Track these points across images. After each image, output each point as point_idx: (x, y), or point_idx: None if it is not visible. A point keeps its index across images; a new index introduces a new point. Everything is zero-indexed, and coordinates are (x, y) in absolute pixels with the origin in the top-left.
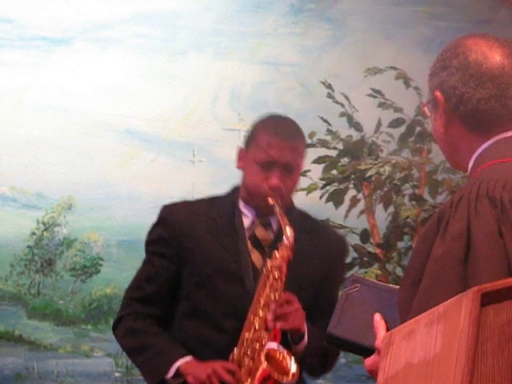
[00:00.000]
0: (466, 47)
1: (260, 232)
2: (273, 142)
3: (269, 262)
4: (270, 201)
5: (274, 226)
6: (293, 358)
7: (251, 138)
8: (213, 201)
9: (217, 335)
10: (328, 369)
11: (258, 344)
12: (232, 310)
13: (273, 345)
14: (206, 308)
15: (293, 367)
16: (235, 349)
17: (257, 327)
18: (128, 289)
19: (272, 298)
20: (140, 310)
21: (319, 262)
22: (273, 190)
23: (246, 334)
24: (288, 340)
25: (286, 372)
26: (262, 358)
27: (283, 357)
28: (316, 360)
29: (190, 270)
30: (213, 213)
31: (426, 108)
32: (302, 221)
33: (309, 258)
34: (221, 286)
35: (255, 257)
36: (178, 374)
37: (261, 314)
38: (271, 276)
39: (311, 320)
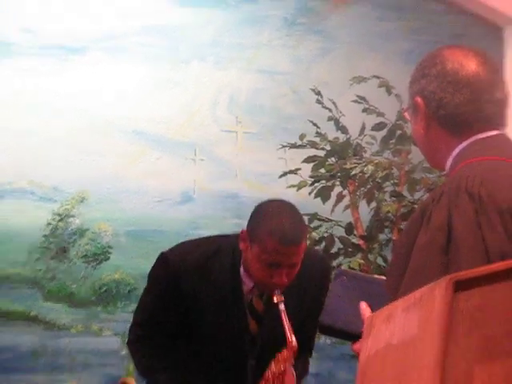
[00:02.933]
0: (443, 57)
1: (256, 302)
2: (280, 250)
3: (272, 365)
4: (275, 299)
5: (265, 296)
6: None
7: (255, 234)
8: (215, 254)
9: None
10: None
11: None
12: (234, 371)
13: None
14: (205, 370)
15: None
16: None
17: None
18: (138, 313)
19: None
20: (149, 335)
21: (303, 304)
22: (278, 287)
23: None
24: None
25: None
26: None
27: None
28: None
29: (194, 329)
30: (216, 273)
31: (406, 113)
32: None
33: (295, 311)
34: (224, 351)
35: (252, 325)
36: None
37: None
38: (273, 375)
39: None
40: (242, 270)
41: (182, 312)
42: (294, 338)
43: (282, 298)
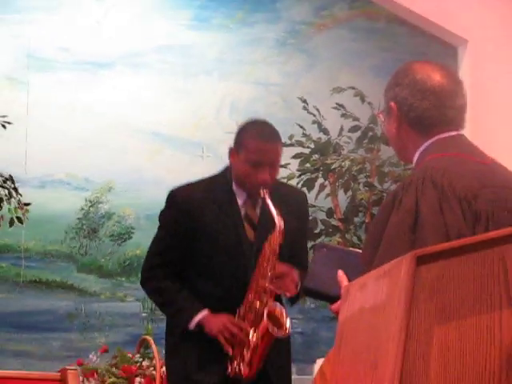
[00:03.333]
0: (414, 70)
1: (251, 211)
2: (261, 147)
3: (266, 244)
4: (262, 193)
5: (260, 205)
6: (288, 318)
7: (240, 142)
8: (212, 183)
9: (223, 293)
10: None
11: (258, 304)
12: (236, 277)
13: (274, 304)
14: (214, 272)
15: (287, 323)
16: (241, 306)
17: (257, 292)
18: (149, 256)
19: (269, 270)
20: (161, 273)
21: (291, 220)
22: (263, 184)
23: (249, 296)
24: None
25: (281, 326)
26: (265, 316)
27: (281, 315)
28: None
29: (200, 245)
30: (214, 195)
31: (381, 114)
32: (274, 191)
33: (285, 224)
34: (227, 259)
35: (249, 232)
36: (197, 325)
37: (261, 282)
38: (268, 253)
39: (292, 263)
40: (234, 186)
41: (190, 235)
42: (281, 222)
43: (267, 193)
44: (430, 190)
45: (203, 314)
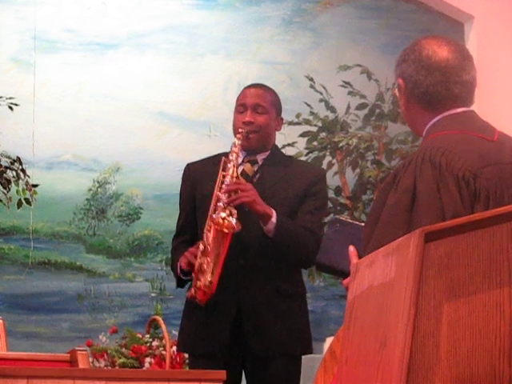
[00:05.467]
0: (420, 45)
1: (247, 167)
2: (245, 93)
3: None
4: (238, 137)
5: (260, 162)
6: (234, 216)
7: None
8: (222, 154)
9: None
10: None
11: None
12: None
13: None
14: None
15: (233, 221)
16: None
17: (215, 204)
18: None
19: (225, 183)
20: (177, 241)
21: (293, 186)
22: (245, 125)
23: (209, 214)
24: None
25: (229, 225)
26: (208, 219)
27: (223, 218)
28: (293, 245)
29: (202, 208)
30: (216, 159)
31: (396, 91)
32: (280, 157)
33: (283, 183)
34: None
35: None
36: (181, 270)
37: (219, 195)
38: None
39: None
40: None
41: (196, 202)
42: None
43: (244, 137)
44: (428, 169)
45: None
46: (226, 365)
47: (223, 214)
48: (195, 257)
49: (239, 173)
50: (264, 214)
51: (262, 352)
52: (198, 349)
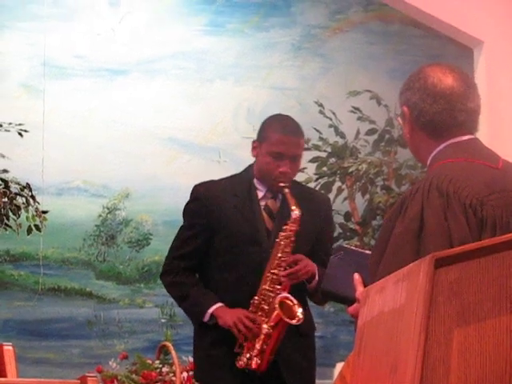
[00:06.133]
0: (425, 73)
1: (271, 203)
2: (283, 140)
3: (281, 234)
4: (281, 184)
5: (280, 198)
6: (300, 307)
7: (263, 135)
8: (233, 179)
9: (241, 284)
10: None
11: (272, 294)
12: (253, 266)
13: (285, 294)
14: (232, 263)
15: (299, 312)
16: (255, 297)
17: (272, 281)
18: (170, 249)
19: (283, 259)
20: (179, 266)
21: (313, 222)
22: (283, 176)
23: (263, 286)
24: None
25: (294, 316)
26: (276, 305)
27: (293, 304)
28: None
29: (219, 236)
30: (234, 189)
31: (399, 118)
32: (298, 189)
33: (305, 221)
34: (245, 248)
35: (268, 223)
36: (211, 317)
37: (275, 272)
38: (282, 243)
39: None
40: (255, 180)
41: (209, 227)
42: (297, 211)
43: (287, 184)
44: (435, 197)
45: (217, 306)
46: None
47: (299, 311)
48: (253, 320)
49: (262, 208)
50: (311, 277)
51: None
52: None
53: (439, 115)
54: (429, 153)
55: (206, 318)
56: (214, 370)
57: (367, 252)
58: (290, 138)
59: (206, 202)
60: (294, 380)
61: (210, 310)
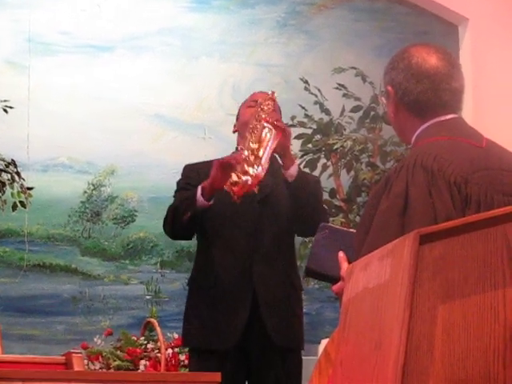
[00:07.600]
0: (409, 53)
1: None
2: (249, 104)
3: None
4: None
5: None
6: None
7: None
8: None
9: (232, 246)
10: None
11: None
12: (239, 224)
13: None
14: (222, 230)
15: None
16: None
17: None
18: (168, 209)
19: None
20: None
21: (299, 191)
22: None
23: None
24: None
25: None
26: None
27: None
28: (309, 194)
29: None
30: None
31: (383, 98)
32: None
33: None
34: (229, 213)
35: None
36: (203, 192)
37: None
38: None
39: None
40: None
41: None
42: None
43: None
44: (420, 174)
45: (200, 185)
46: (236, 361)
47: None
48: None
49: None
50: (292, 158)
51: (284, 344)
52: (209, 344)
53: (423, 94)
54: (413, 132)
55: (199, 193)
56: (206, 331)
57: (352, 231)
58: (255, 94)
59: (195, 172)
60: (287, 343)
61: (198, 191)
